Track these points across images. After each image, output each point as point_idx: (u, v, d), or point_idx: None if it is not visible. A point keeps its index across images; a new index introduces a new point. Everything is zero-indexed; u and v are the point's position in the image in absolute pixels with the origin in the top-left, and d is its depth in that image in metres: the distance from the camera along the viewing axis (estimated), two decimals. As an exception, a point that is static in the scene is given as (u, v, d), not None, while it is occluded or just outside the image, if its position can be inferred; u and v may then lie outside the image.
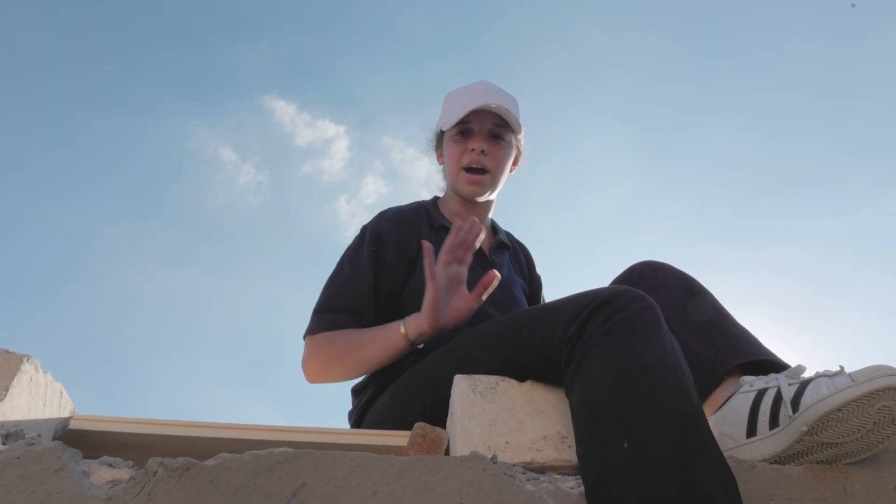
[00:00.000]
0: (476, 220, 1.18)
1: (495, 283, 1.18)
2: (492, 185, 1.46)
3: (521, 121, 1.55)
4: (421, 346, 1.19)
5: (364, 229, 1.42)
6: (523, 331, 1.00)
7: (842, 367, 0.85)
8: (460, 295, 1.16)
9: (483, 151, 1.42)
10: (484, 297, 1.18)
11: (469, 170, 1.43)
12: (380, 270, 1.33)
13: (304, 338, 1.31)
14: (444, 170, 1.54)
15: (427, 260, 1.12)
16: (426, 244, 1.12)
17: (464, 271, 1.17)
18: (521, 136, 1.53)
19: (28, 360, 0.89)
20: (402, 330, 1.16)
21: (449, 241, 1.16)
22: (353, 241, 1.41)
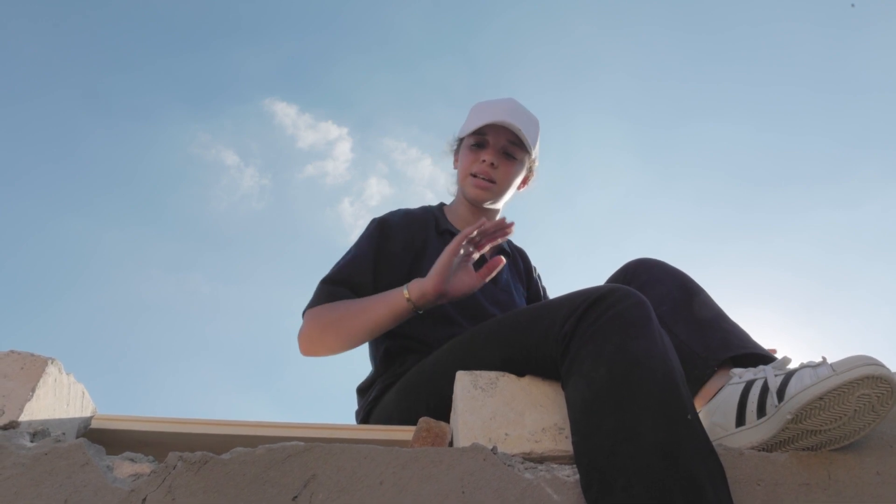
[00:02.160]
0: (505, 219, 1.22)
1: (500, 267, 1.24)
2: (497, 194, 1.50)
3: (540, 144, 1.58)
4: (421, 311, 1.22)
5: (373, 220, 1.47)
6: (521, 328, 1.05)
7: (824, 358, 0.89)
8: (467, 270, 1.23)
9: (493, 165, 1.47)
10: (488, 279, 1.24)
11: (477, 177, 1.48)
12: (381, 257, 1.37)
13: (304, 313, 1.32)
14: (457, 174, 1.59)
15: (459, 236, 1.17)
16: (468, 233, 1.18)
17: (476, 257, 1.23)
18: (535, 159, 1.57)
19: (52, 363, 0.94)
20: (406, 293, 1.20)
21: (471, 229, 1.19)
22: (362, 232, 1.47)
